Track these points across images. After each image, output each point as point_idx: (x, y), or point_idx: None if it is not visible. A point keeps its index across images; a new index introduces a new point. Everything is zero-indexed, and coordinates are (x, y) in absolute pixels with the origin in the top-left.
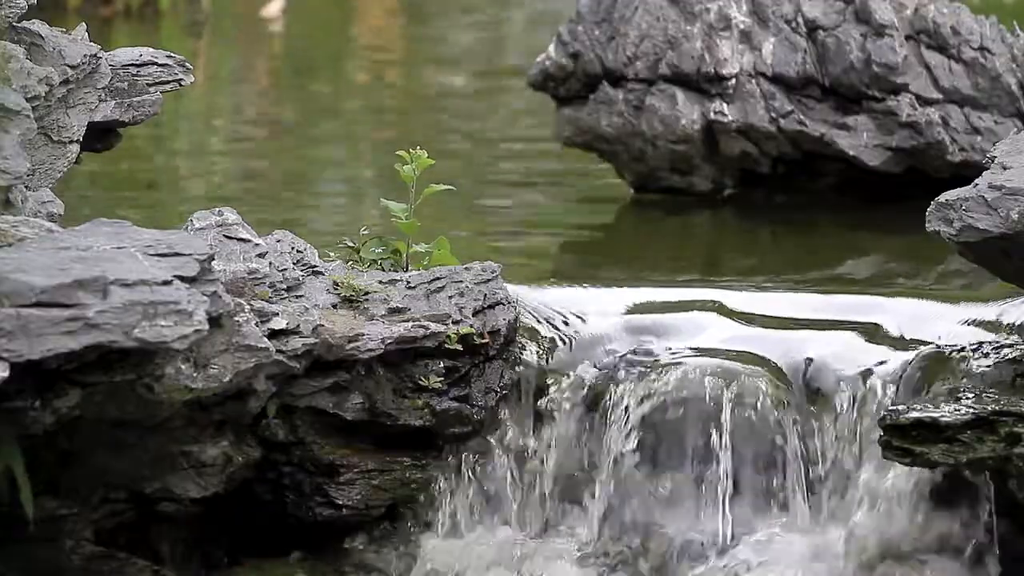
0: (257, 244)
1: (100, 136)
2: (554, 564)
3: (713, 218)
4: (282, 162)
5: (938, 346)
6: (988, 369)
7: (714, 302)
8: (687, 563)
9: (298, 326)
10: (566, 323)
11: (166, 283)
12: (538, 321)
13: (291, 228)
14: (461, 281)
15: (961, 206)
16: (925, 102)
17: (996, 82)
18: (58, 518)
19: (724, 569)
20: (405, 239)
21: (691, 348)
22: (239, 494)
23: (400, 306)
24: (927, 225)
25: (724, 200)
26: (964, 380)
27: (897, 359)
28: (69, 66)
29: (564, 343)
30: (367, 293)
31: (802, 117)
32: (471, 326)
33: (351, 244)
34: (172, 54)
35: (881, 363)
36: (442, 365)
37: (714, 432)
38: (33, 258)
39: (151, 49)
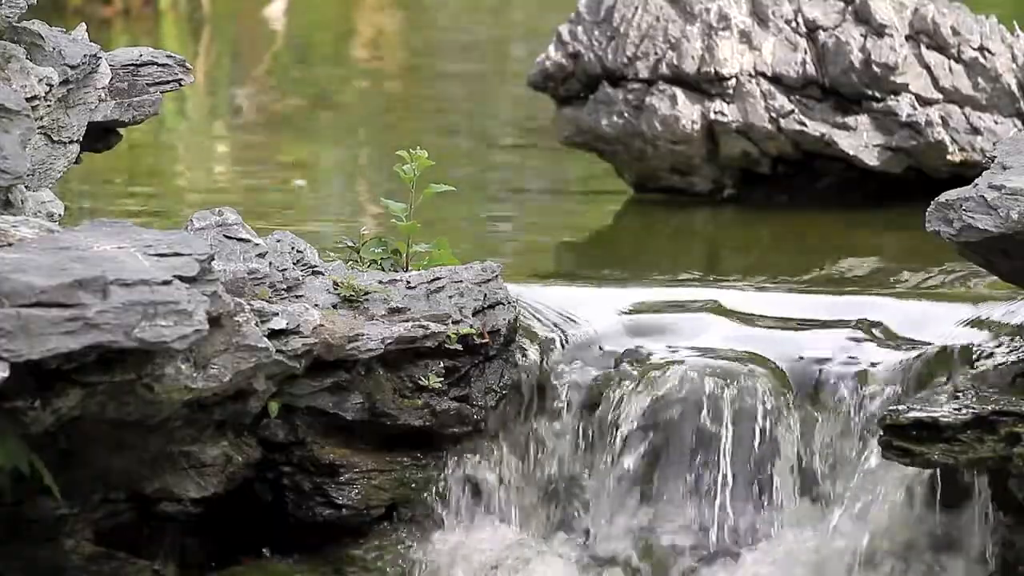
0: (257, 244)
1: (100, 136)
2: (554, 565)
3: (713, 218)
4: (282, 162)
5: (938, 346)
6: (988, 369)
7: (714, 302)
8: (687, 564)
9: (298, 326)
10: (566, 323)
11: (166, 283)
12: (538, 321)
13: (291, 228)
14: (461, 281)
15: (961, 206)
16: (925, 102)
17: (996, 82)
18: (58, 518)
19: (725, 570)
20: (405, 239)
21: (691, 348)
22: (239, 494)
23: (400, 306)
24: (927, 225)
25: (724, 200)
26: (964, 380)
27: (897, 359)
28: (69, 66)
29: (564, 343)
30: (367, 293)
31: (802, 117)
32: (471, 326)
33: (351, 244)
34: (172, 54)
35: (881, 363)
36: (442, 365)
37: (714, 432)
38: (33, 258)
39: (151, 49)
